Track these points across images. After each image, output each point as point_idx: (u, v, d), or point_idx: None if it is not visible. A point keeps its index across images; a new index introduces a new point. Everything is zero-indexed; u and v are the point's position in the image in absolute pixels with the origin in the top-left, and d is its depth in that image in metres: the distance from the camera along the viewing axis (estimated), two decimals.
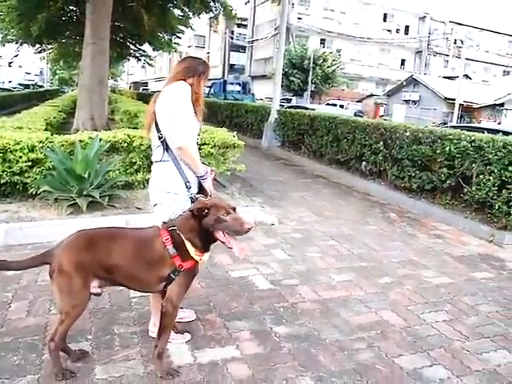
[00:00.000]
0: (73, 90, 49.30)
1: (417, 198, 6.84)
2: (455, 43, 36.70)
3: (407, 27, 42.68)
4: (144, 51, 27.13)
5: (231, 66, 45.63)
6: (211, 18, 23.80)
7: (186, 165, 2.65)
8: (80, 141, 5.30)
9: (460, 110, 27.30)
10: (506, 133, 6.10)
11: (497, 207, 5.40)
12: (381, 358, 2.79)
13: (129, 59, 32.38)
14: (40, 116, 9.31)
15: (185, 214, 2.44)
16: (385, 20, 41.82)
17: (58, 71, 56.40)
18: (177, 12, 19.20)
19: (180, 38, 22.22)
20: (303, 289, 3.75)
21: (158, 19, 17.36)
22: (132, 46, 25.12)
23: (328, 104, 29.43)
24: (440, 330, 3.21)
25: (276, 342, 2.90)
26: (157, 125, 2.66)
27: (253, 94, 30.52)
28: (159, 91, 2.77)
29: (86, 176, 4.77)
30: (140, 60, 30.13)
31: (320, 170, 9.56)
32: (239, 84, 30.52)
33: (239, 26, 41.11)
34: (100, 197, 4.80)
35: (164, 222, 2.50)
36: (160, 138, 2.65)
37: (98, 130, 6.67)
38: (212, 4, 17.94)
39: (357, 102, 34.65)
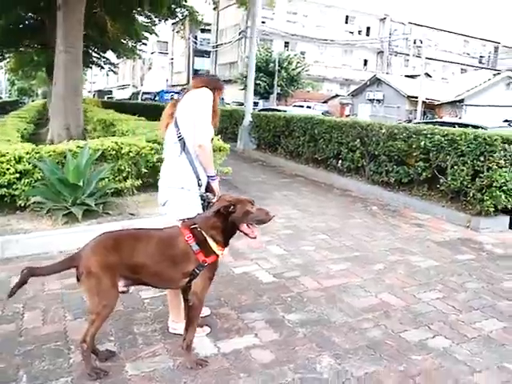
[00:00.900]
0: (33, 101, 48.10)
1: (395, 191, 7.16)
2: (415, 43, 37.95)
3: (368, 28, 43.78)
4: (107, 59, 26.94)
5: (196, 72, 45.54)
6: (174, 23, 23.85)
7: (201, 164, 2.83)
8: (69, 150, 5.33)
9: (423, 107, 28.20)
10: (475, 126, 6.49)
11: (471, 195, 5.77)
12: (388, 334, 3.04)
13: (91, 67, 32.02)
14: (11, 128, 9.20)
15: (206, 213, 2.60)
16: (346, 22, 42.73)
17: (16, 81, 55.00)
18: (141, 18, 19.21)
19: (146, 44, 22.24)
20: (305, 279, 3.96)
21: (122, 26, 17.30)
22: (95, 54, 24.92)
23: (295, 106, 29.82)
24: (436, 306, 3.50)
25: (290, 328, 3.09)
26: (176, 125, 2.84)
27: (222, 99, 30.61)
28: (176, 98, 2.97)
29: (81, 184, 4.82)
30: (103, 68, 29.84)
31: (298, 169, 9.79)
32: None
33: (203, 31, 41.16)
34: (95, 204, 4.86)
35: (183, 221, 2.63)
36: (179, 137, 2.81)
37: (74, 140, 6.65)
38: (178, 10, 18.03)
39: (322, 102, 35.21)
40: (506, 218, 5.78)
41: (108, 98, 43.52)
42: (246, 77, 19.96)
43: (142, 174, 5.89)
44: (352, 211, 6.51)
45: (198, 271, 2.52)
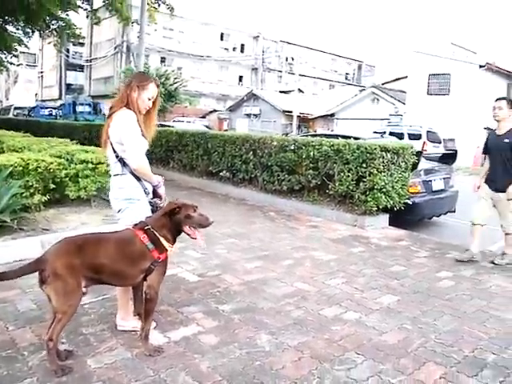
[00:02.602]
0: None
1: (287, 198, 7.93)
2: (286, 60, 40.61)
3: (243, 46, 45.66)
4: None
5: (68, 86, 43.47)
6: (44, 35, 22.74)
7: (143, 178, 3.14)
8: None
9: (297, 121, 30.41)
10: (356, 138, 7.51)
11: (356, 197, 6.71)
12: (309, 313, 3.64)
13: None
14: None
15: (156, 215, 2.94)
16: (222, 39, 44.08)
17: None
18: (11, 29, 18.16)
19: (17, 56, 20.93)
20: (227, 276, 4.42)
21: None
22: None
23: (175, 121, 30.08)
24: (342, 289, 4.19)
25: (226, 316, 3.53)
26: (112, 146, 3.11)
27: (104, 115, 29.79)
28: (110, 114, 3.18)
29: None
30: None
31: (193, 182, 10.20)
32: (89, 105, 29.50)
33: (75, 44, 39.50)
34: (10, 220, 4.80)
35: (135, 224, 2.94)
36: (117, 157, 3.10)
37: None
38: (54, 22, 17.42)
39: (201, 117, 35.93)
40: (386, 216, 6.83)
41: None
42: None
43: (49, 189, 5.87)
44: (252, 217, 7.12)
45: (153, 267, 2.86)
